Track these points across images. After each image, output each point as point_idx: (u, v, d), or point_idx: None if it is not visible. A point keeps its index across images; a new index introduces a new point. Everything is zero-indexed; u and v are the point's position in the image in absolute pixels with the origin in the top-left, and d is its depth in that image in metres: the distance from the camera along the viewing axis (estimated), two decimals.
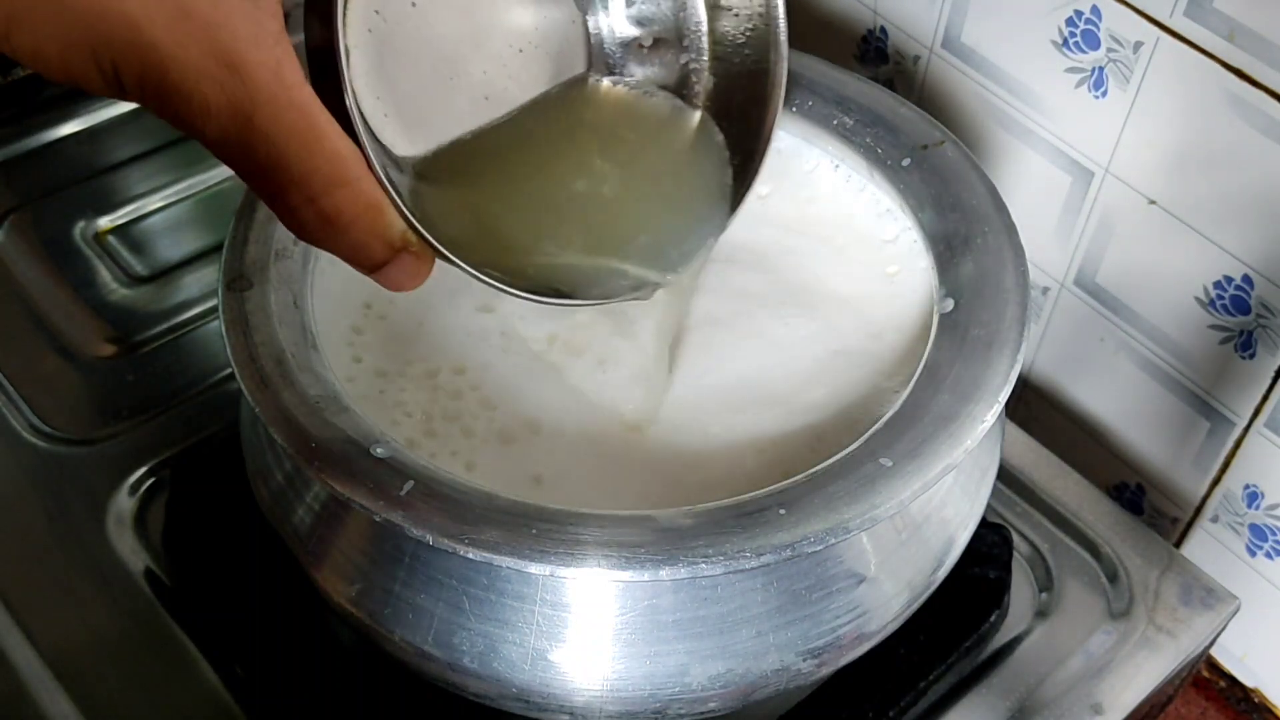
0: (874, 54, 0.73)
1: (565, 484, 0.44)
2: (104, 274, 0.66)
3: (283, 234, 0.46)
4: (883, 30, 0.71)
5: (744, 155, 0.44)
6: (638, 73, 0.45)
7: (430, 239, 0.35)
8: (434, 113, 0.41)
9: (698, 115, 0.45)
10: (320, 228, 0.34)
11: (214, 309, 0.64)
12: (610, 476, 0.45)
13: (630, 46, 0.45)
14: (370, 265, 0.35)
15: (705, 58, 0.45)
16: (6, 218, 0.68)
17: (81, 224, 0.68)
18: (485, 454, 0.45)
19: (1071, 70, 0.62)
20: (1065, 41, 0.61)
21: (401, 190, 0.38)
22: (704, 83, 0.45)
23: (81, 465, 0.58)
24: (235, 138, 0.32)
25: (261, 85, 0.31)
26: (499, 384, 0.47)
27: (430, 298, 0.49)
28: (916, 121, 0.50)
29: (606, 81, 0.45)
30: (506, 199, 0.42)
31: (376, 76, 0.39)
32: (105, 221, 0.69)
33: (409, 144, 0.40)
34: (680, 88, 0.45)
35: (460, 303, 0.49)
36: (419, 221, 0.35)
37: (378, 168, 0.34)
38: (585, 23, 0.45)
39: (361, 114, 0.36)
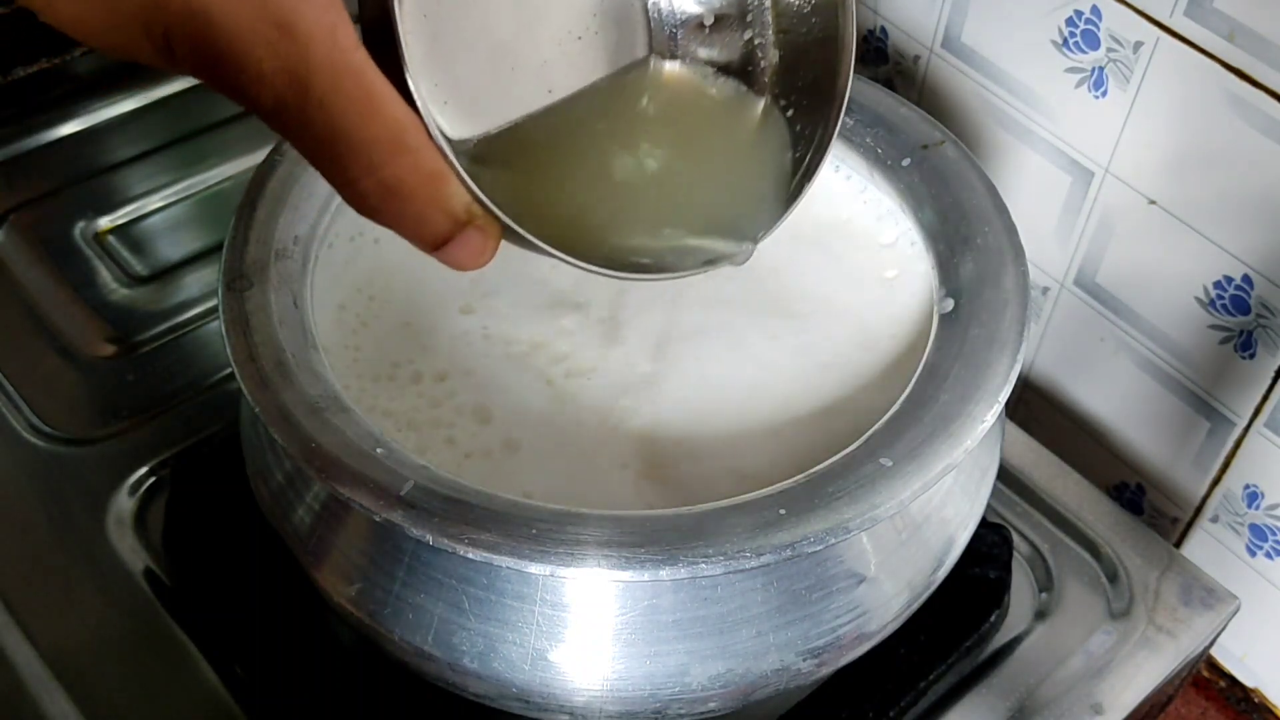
0: (874, 54, 0.73)
1: (551, 497, 0.44)
2: (104, 274, 0.66)
3: (283, 234, 0.46)
4: (883, 30, 0.71)
5: (816, 125, 0.42)
6: (701, 54, 0.44)
7: (496, 210, 0.33)
8: (492, 100, 0.40)
9: (762, 101, 0.43)
10: (381, 199, 0.32)
11: (214, 309, 0.64)
12: (592, 488, 0.45)
13: (691, 26, 0.44)
14: (433, 239, 0.33)
15: (770, 32, 0.43)
16: (6, 218, 0.68)
17: (81, 224, 0.68)
18: (469, 467, 0.45)
19: (1071, 70, 0.62)
20: (1065, 41, 0.61)
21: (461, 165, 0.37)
22: (769, 58, 0.43)
23: (81, 465, 0.58)
24: (292, 105, 0.31)
25: (317, 48, 0.30)
26: (482, 390, 0.47)
27: (419, 300, 0.49)
28: (916, 121, 0.50)
29: (668, 64, 0.44)
30: (568, 181, 0.40)
31: (433, 62, 0.38)
32: (105, 221, 0.69)
33: (465, 123, 0.39)
34: (745, 65, 0.43)
35: (447, 306, 0.49)
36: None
37: (438, 136, 0.32)
38: (645, 4, 0.43)
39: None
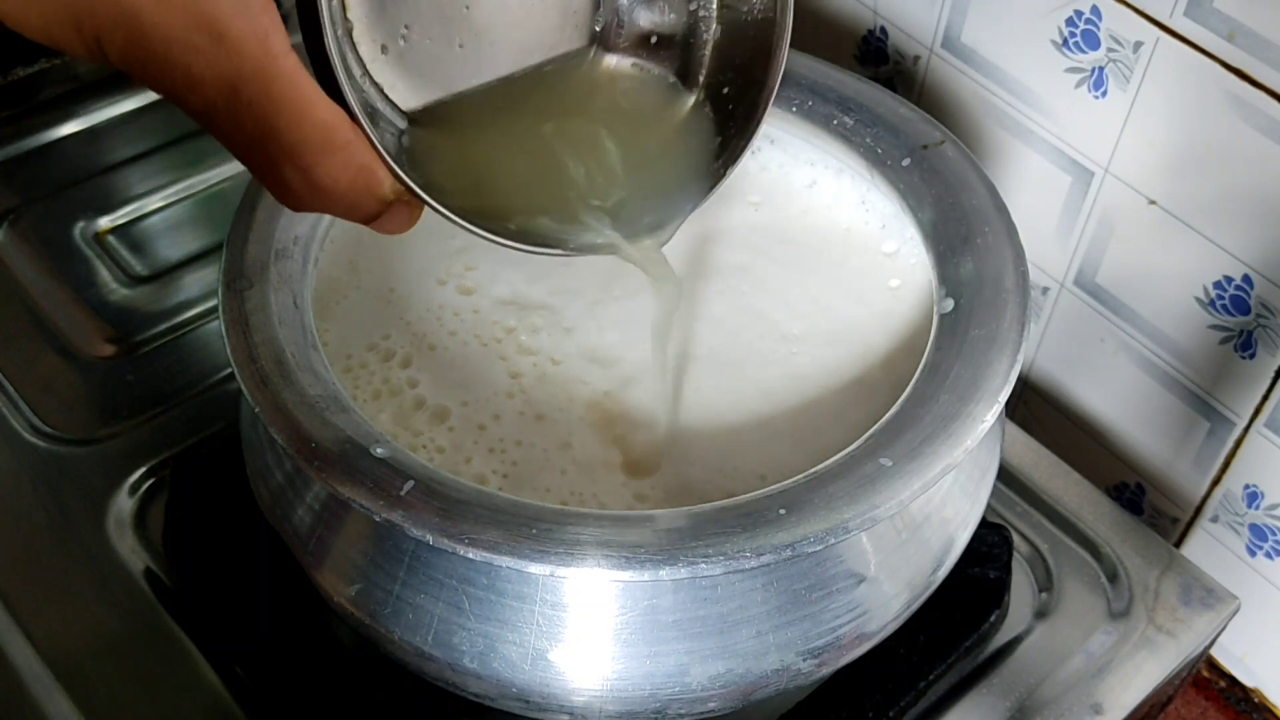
0: (874, 54, 0.73)
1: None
2: (104, 274, 0.66)
3: (283, 234, 0.46)
4: (883, 30, 0.71)
5: (747, 107, 0.43)
6: (644, 20, 0.45)
7: (421, 193, 0.36)
8: (437, 59, 0.41)
9: (694, 96, 0.45)
10: (313, 196, 0.33)
11: (214, 309, 0.64)
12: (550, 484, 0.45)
13: (637, 3, 0.45)
14: (363, 219, 0.36)
15: (714, 6, 0.44)
16: (6, 218, 0.68)
17: (81, 224, 0.68)
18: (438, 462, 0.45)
19: (1071, 70, 0.62)
20: (1065, 41, 0.61)
21: (398, 131, 0.39)
22: (711, 33, 0.44)
23: (81, 465, 0.58)
24: (223, 109, 0.31)
25: (248, 56, 0.31)
26: (448, 377, 0.47)
27: (403, 269, 0.50)
28: (916, 121, 0.50)
29: (608, 58, 0.45)
30: (496, 155, 0.42)
31: (379, 18, 0.39)
32: (105, 221, 0.69)
33: (409, 90, 0.40)
34: (688, 36, 0.45)
35: (426, 280, 0.50)
36: (410, 165, 0.35)
37: (367, 127, 0.34)
38: None
39: (356, 65, 0.36)
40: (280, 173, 0.33)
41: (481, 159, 0.42)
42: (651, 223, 0.43)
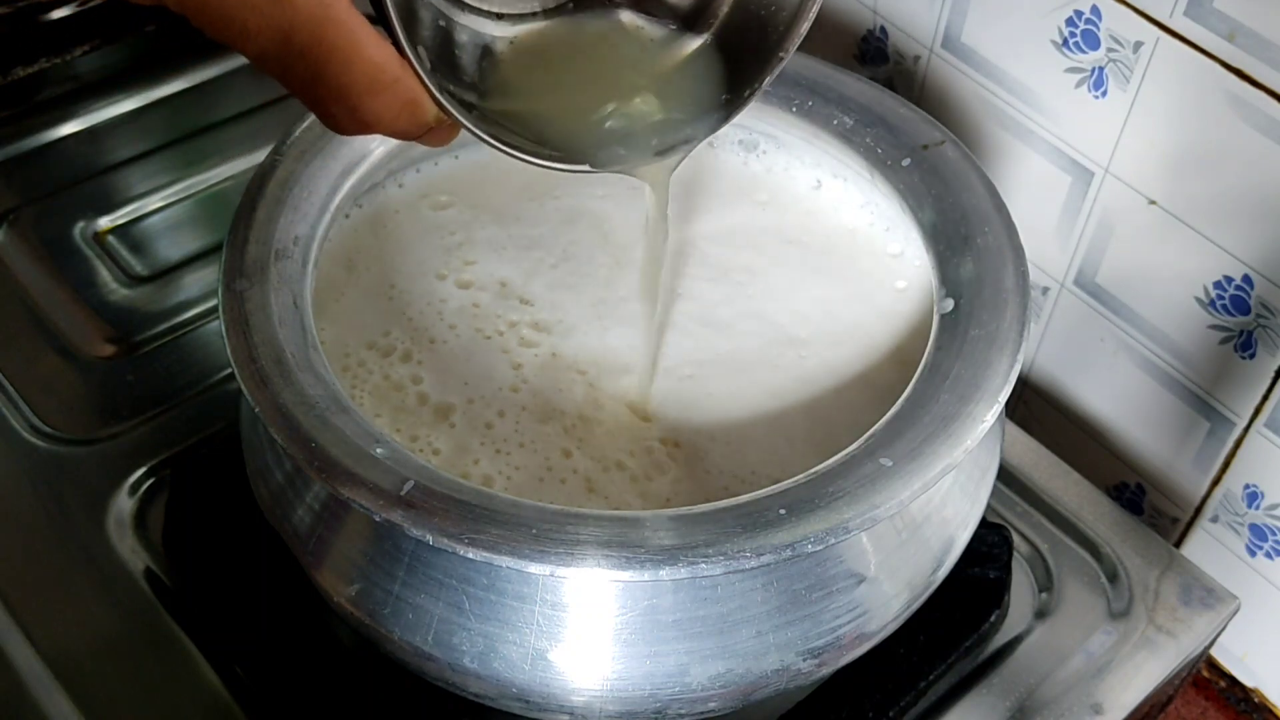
0: (874, 54, 0.73)
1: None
2: (104, 274, 0.66)
3: (283, 234, 0.46)
4: (883, 30, 0.71)
5: (763, 52, 0.43)
6: None
7: (465, 123, 0.37)
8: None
9: (703, 38, 0.45)
10: (360, 129, 0.35)
11: (214, 309, 0.64)
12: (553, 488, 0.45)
13: None
14: (405, 139, 0.37)
15: None
16: (6, 218, 0.68)
17: (81, 224, 0.68)
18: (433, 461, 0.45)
19: (1071, 70, 0.62)
20: (1065, 41, 0.61)
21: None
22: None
23: (81, 465, 0.58)
24: (274, 56, 0.33)
25: (301, 7, 0.32)
26: (450, 371, 0.47)
27: (402, 265, 0.50)
28: (916, 121, 0.50)
29: (637, 20, 0.45)
30: (536, 77, 0.43)
31: None
32: (105, 221, 0.69)
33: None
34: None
35: (425, 275, 0.50)
36: (465, 87, 0.38)
37: (412, 59, 0.35)
38: None
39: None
40: (329, 109, 0.35)
41: (527, 78, 0.43)
42: (676, 141, 0.43)
